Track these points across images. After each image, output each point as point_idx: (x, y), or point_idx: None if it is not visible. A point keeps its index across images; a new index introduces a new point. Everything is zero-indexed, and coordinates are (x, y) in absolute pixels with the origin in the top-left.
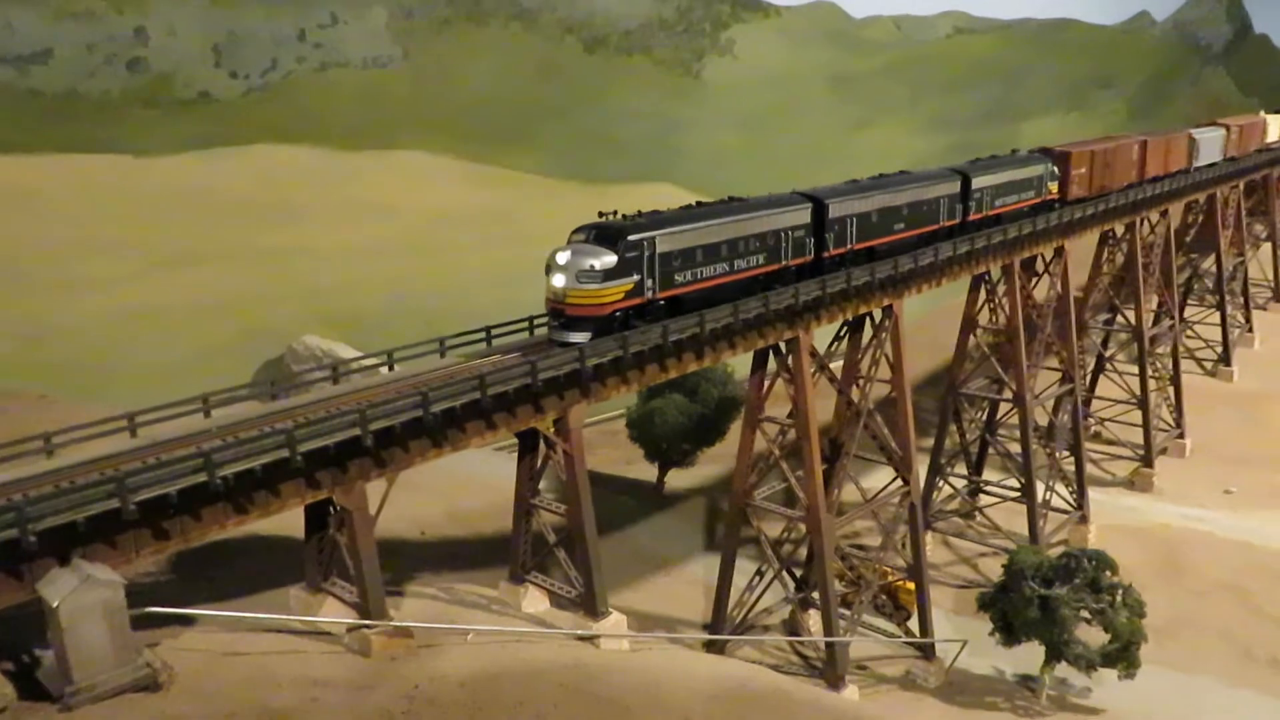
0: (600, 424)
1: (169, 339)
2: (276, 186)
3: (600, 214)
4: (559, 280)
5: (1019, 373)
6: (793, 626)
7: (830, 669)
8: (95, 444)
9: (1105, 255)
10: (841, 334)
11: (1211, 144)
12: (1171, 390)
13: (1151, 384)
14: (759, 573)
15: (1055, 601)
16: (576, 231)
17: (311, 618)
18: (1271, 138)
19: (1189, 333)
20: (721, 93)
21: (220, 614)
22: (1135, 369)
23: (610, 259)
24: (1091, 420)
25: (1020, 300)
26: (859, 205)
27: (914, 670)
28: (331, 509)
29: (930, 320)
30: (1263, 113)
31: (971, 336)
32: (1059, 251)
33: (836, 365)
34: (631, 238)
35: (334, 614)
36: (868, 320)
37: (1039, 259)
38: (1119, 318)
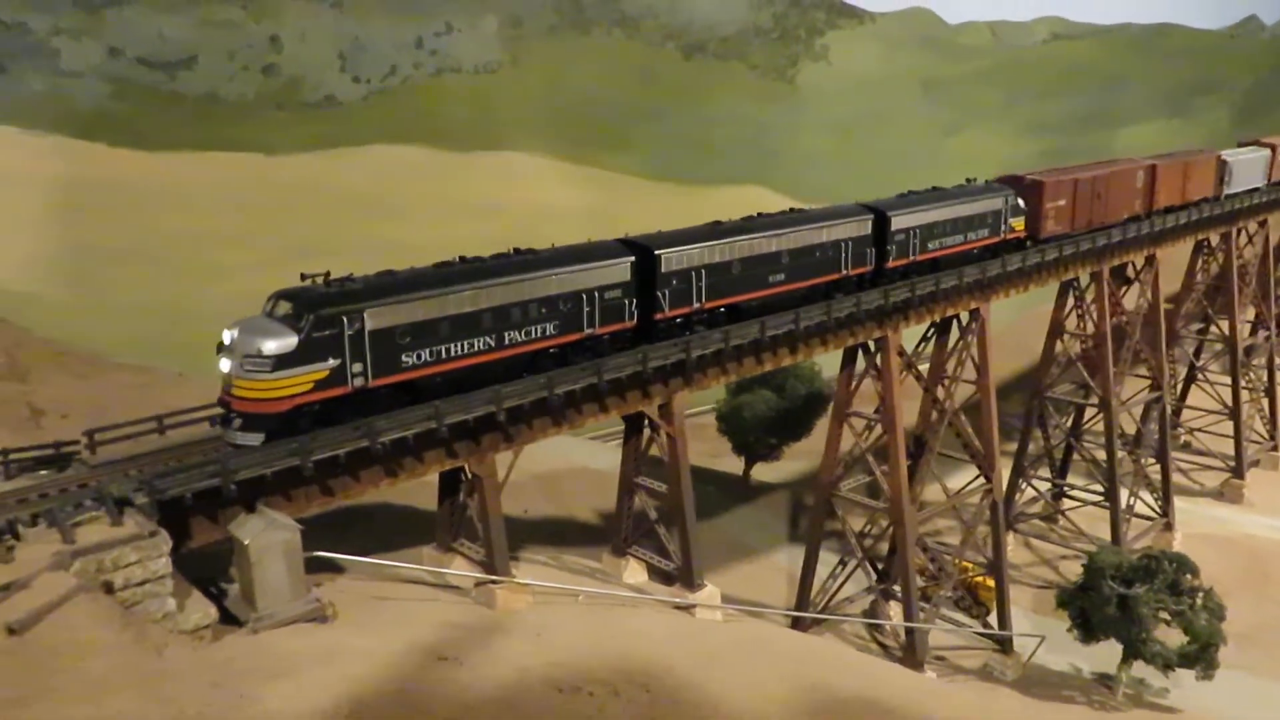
0: (690, 417)
1: None
2: (391, 184)
3: (303, 276)
4: (224, 365)
5: (1105, 379)
6: (873, 617)
7: (910, 655)
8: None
9: (1199, 264)
10: (929, 335)
11: (1250, 167)
12: (1265, 402)
13: (1245, 395)
14: (841, 562)
15: (1134, 601)
16: (269, 300)
17: (446, 570)
18: None
19: None
20: (815, 98)
21: (377, 562)
22: (1228, 380)
23: (288, 340)
24: (1181, 430)
25: (1109, 307)
26: (711, 255)
27: (991, 663)
28: (463, 477)
29: (1017, 325)
30: None
31: (1059, 342)
32: (1150, 259)
33: (923, 367)
34: (325, 312)
35: (462, 571)
36: (955, 323)
37: (1129, 266)
38: (1212, 328)
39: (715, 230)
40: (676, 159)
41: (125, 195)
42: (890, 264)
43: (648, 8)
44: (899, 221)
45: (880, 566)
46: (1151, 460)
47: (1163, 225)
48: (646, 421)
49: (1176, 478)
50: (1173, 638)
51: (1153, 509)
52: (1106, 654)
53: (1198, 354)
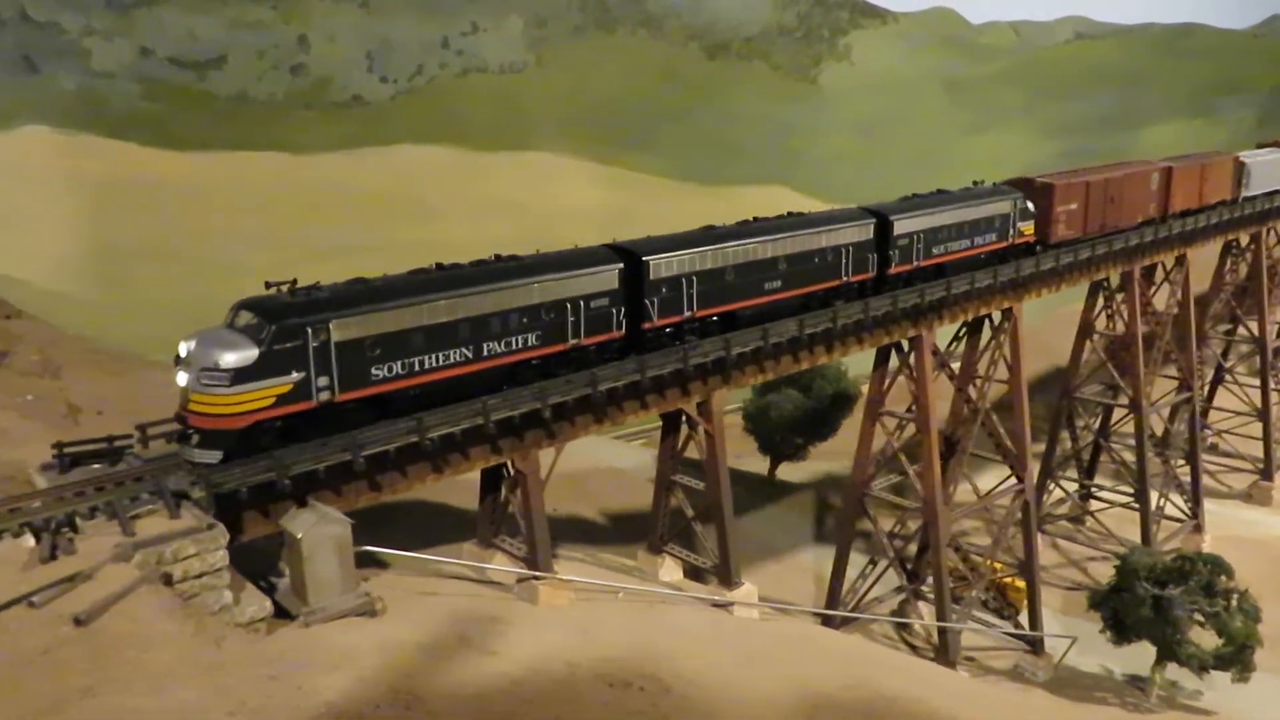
0: None
1: None
2: (417, 184)
3: (268, 284)
4: (181, 378)
5: (1136, 379)
6: (901, 618)
7: (942, 655)
8: None
9: (1228, 265)
10: (960, 334)
11: (1270, 169)
12: None
13: (1273, 396)
14: (871, 561)
15: (1169, 602)
16: (231, 310)
17: (489, 566)
18: None
19: None
20: (838, 97)
21: (424, 557)
22: (1256, 381)
23: (248, 353)
24: (1209, 431)
25: (1139, 307)
26: (703, 261)
27: (1022, 664)
28: (505, 473)
29: (1042, 326)
30: None
31: (1088, 342)
32: (1180, 260)
33: (953, 365)
34: (288, 323)
35: (504, 567)
36: (987, 322)
37: (1159, 267)
38: (1240, 329)
39: (708, 235)
40: (699, 159)
41: (155, 194)
42: (893, 270)
43: (671, 8)
44: (902, 226)
45: (909, 567)
46: (1181, 461)
47: (1194, 225)
48: (684, 419)
49: (1204, 479)
50: (1206, 640)
51: (1182, 511)
52: (1137, 656)
53: (1225, 355)
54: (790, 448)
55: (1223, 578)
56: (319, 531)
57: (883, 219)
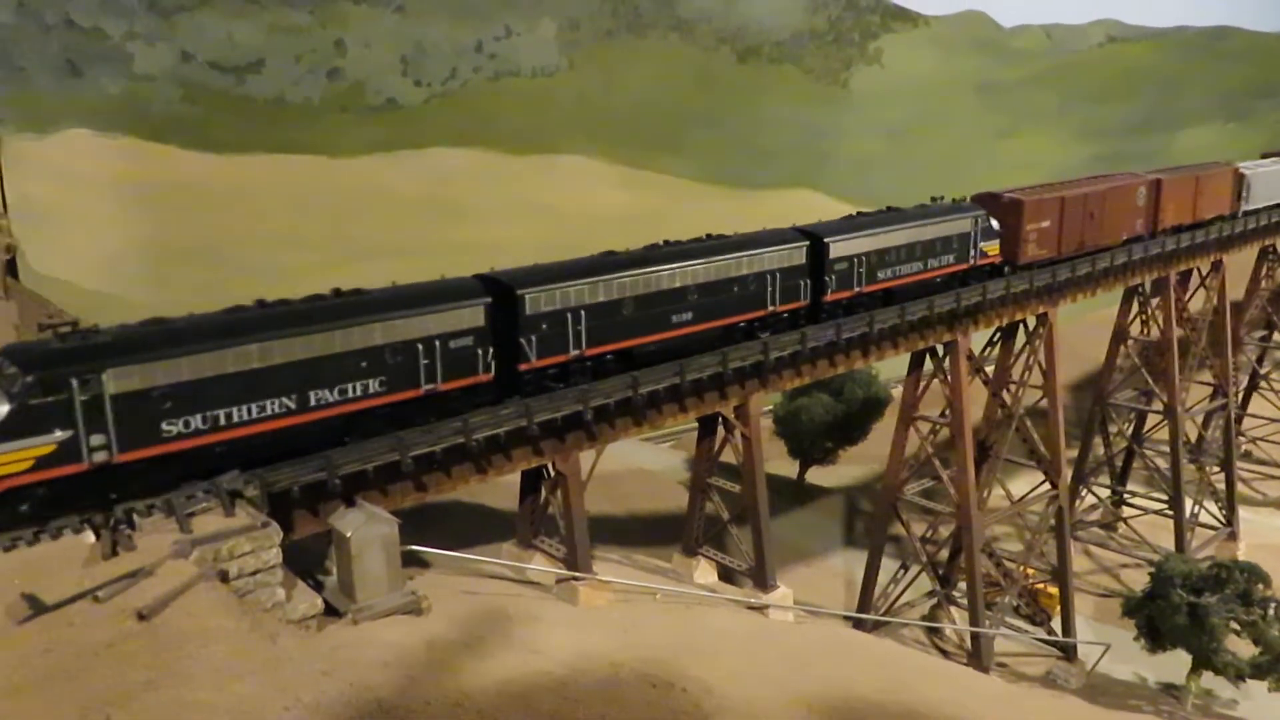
0: None
1: None
2: (451, 187)
3: (41, 326)
4: None
5: (1170, 385)
6: (932, 622)
7: (975, 660)
8: None
9: (1264, 270)
10: (995, 339)
11: (1273, 180)
12: None
13: None
14: (903, 566)
15: (1205, 610)
16: None
17: (529, 566)
18: None
19: None
20: (869, 101)
21: (468, 556)
22: None
23: None
24: (1243, 438)
25: (1175, 313)
26: (593, 293)
27: (1055, 670)
28: (546, 475)
29: (1073, 331)
30: None
31: (1122, 347)
32: (1216, 265)
33: (988, 370)
34: (48, 373)
35: (544, 567)
36: (1021, 327)
37: (1195, 272)
38: (1276, 335)
39: (602, 263)
40: (729, 163)
41: (196, 197)
42: (829, 297)
43: (703, 12)
44: (840, 248)
45: (941, 571)
46: (1215, 468)
47: (1230, 231)
48: (721, 422)
49: (1239, 487)
50: (1242, 648)
51: (1216, 518)
52: (1172, 664)
53: (1260, 361)
54: (820, 452)
55: (1260, 586)
56: (367, 530)
57: (817, 240)
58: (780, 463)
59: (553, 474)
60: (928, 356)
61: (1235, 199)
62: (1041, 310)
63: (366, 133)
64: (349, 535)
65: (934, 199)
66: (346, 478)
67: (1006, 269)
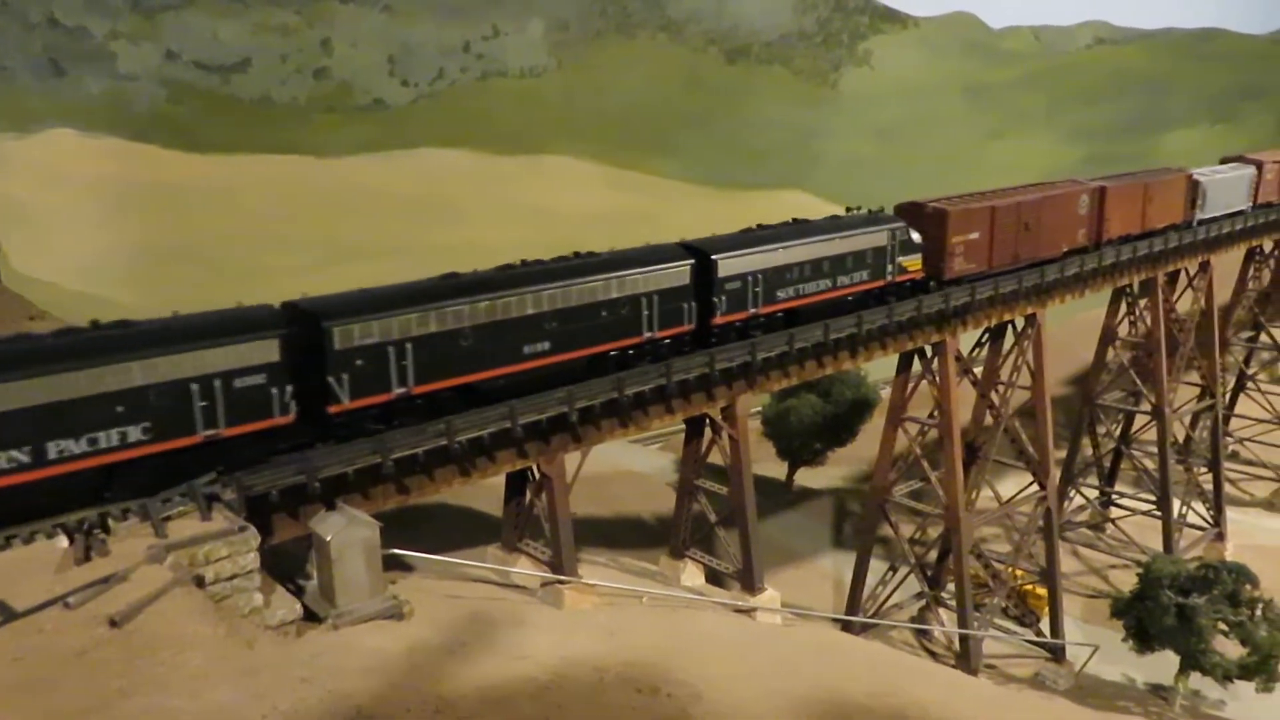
0: None
1: None
2: (439, 187)
3: None
4: None
5: (1159, 386)
6: (921, 624)
7: (963, 662)
8: None
9: (1251, 271)
10: (983, 341)
11: (1228, 187)
12: None
13: None
14: (892, 568)
15: (1193, 611)
16: None
17: (514, 570)
18: None
19: None
20: (857, 102)
21: (451, 560)
22: (1278, 388)
23: None
24: (1230, 439)
25: (1163, 314)
26: (424, 323)
27: (1044, 672)
28: (530, 477)
29: (1062, 333)
30: None
31: (1110, 348)
32: (1204, 266)
33: (976, 370)
34: None
35: (529, 570)
36: (1009, 328)
37: (1183, 273)
38: (1263, 335)
39: (438, 288)
40: (718, 163)
41: (180, 197)
42: (719, 320)
43: (692, 12)
44: (730, 266)
45: (930, 573)
46: (1203, 469)
47: (1218, 232)
48: (708, 423)
49: (1226, 487)
50: (1230, 649)
51: (1204, 519)
52: (1159, 664)
53: (1248, 361)
54: (809, 453)
55: (1248, 587)
56: (348, 534)
57: (703, 258)
58: (769, 464)
59: (537, 476)
60: (916, 357)
61: (1189, 207)
62: (1030, 311)
63: (353, 133)
64: (329, 539)
65: (849, 209)
66: (326, 480)
67: (932, 284)
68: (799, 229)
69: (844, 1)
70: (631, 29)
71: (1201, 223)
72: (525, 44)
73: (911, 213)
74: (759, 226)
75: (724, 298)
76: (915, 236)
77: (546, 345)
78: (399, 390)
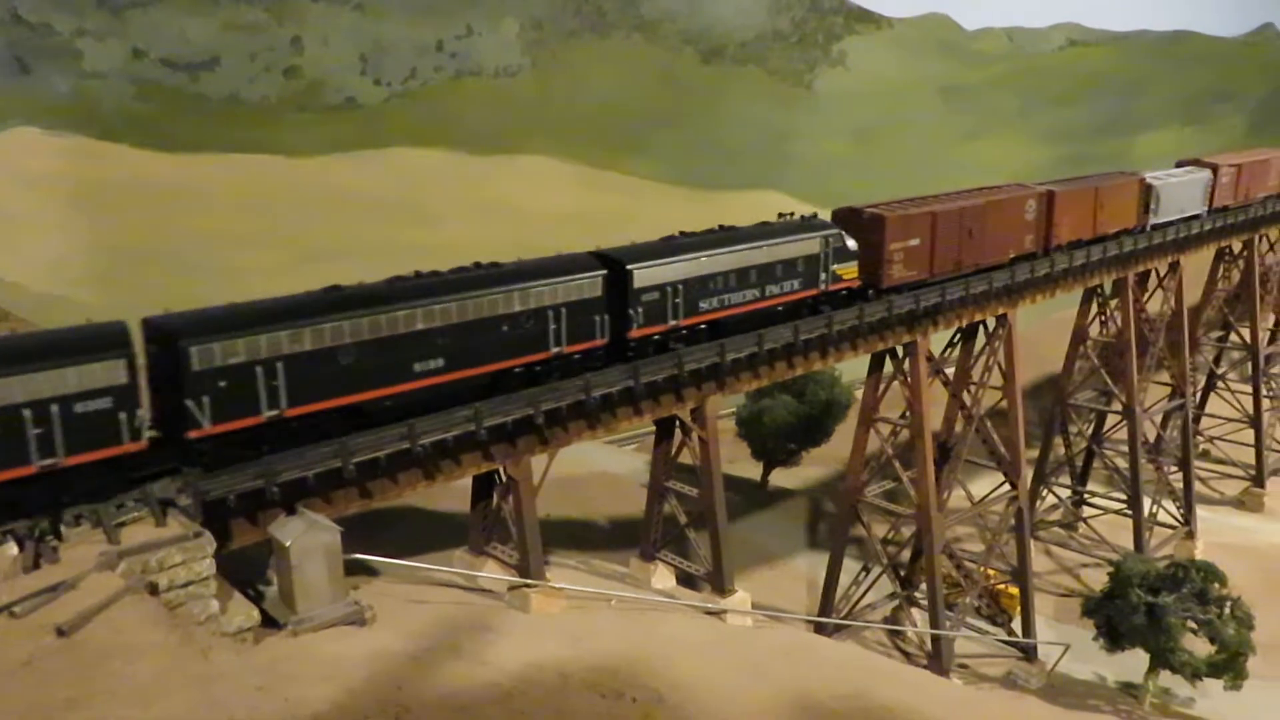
0: None
1: None
2: (412, 187)
3: None
4: None
5: (1129, 386)
6: (894, 624)
7: (935, 662)
8: None
9: (1221, 272)
10: (955, 341)
11: (1184, 191)
12: None
13: (1265, 403)
14: (865, 568)
15: (1162, 609)
16: None
17: (481, 574)
18: None
19: None
20: (832, 103)
21: (414, 565)
22: (1248, 388)
23: None
24: (1200, 438)
25: (1133, 314)
26: (296, 341)
27: (1015, 671)
28: (497, 480)
29: (1035, 334)
30: None
31: (1081, 348)
32: (1174, 266)
33: (948, 371)
34: None
35: (496, 574)
36: (981, 328)
37: (1153, 273)
38: (1233, 335)
39: (317, 302)
40: (694, 163)
41: (148, 197)
42: (636, 333)
43: (667, 12)
44: (646, 276)
45: (903, 573)
46: (1173, 468)
47: (1187, 232)
48: (678, 425)
49: (1196, 486)
50: (1199, 647)
51: (1175, 517)
52: (1131, 663)
53: (1218, 361)
54: (784, 453)
55: (1216, 585)
56: (308, 539)
57: (618, 268)
58: (744, 464)
59: (504, 479)
60: (888, 358)
61: (1142, 211)
62: (1001, 311)
63: (325, 132)
64: (288, 544)
65: (781, 215)
66: (286, 485)
67: (870, 293)
68: (724, 237)
69: (819, 2)
70: (606, 28)
71: (1155, 227)
72: (499, 43)
73: (849, 219)
74: (682, 234)
75: (641, 309)
76: (851, 243)
77: (440, 362)
78: (270, 413)
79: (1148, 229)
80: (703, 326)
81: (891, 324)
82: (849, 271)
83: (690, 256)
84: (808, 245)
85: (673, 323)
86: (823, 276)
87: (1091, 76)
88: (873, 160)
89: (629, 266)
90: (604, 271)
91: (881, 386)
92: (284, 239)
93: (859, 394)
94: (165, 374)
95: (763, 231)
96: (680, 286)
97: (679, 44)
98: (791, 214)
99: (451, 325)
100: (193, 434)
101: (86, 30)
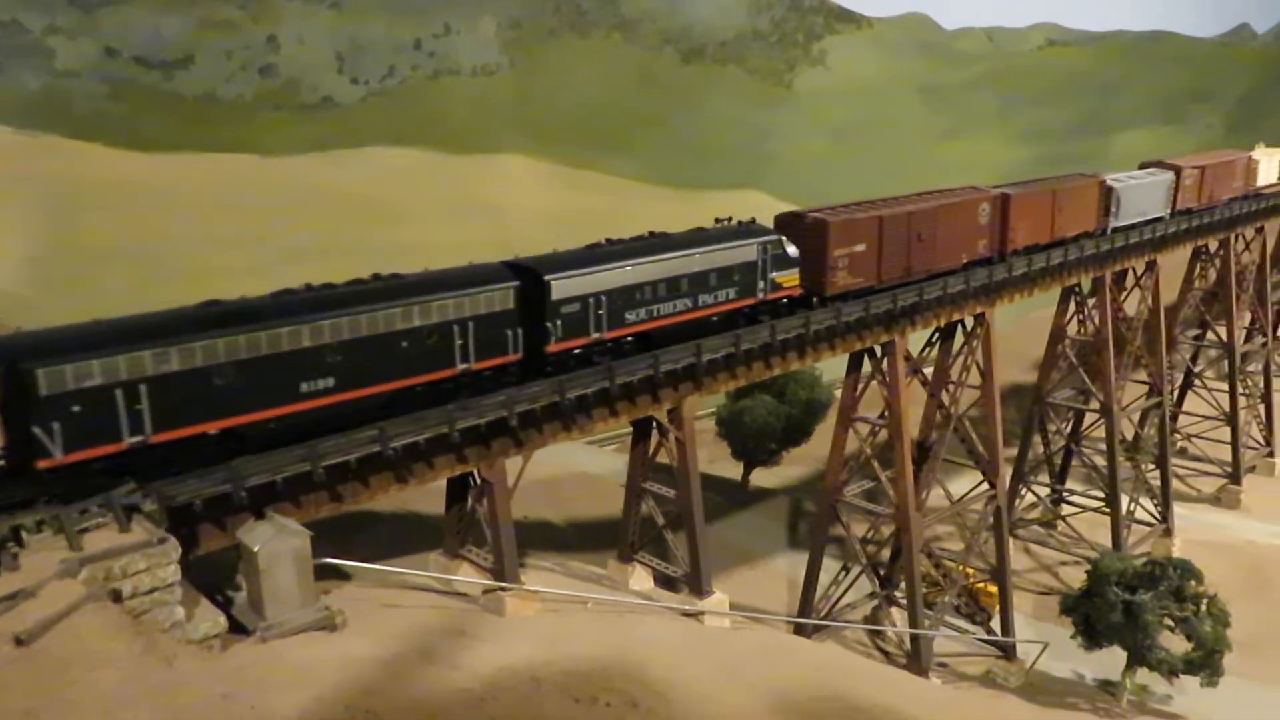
0: None
1: None
2: (390, 187)
3: None
4: None
5: (1106, 384)
6: (874, 623)
7: (914, 662)
8: None
9: (1197, 270)
10: (933, 340)
11: (1145, 194)
12: (1262, 408)
13: (1241, 401)
14: (844, 569)
15: (1139, 607)
16: None
17: (454, 578)
18: (1264, 180)
19: None
20: (813, 102)
21: (386, 569)
22: (1224, 385)
23: None
24: (1178, 436)
25: (1111, 313)
26: (165, 361)
27: (994, 670)
28: (472, 482)
29: (1014, 333)
30: (1261, 146)
31: (1059, 347)
32: (1151, 265)
33: (927, 370)
34: None
35: (470, 578)
36: (959, 327)
37: (1130, 272)
38: (1209, 334)
39: (191, 318)
40: (674, 163)
41: (121, 196)
42: (554, 347)
43: (646, 11)
44: (566, 287)
45: (883, 573)
46: (1151, 466)
47: (1164, 232)
48: (655, 426)
49: (1174, 483)
50: (1176, 644)
51: (1152, 515)
52: (1109, 661)
53: (1195, 360)
54: (764, 453)
55: (1192, 582)
56: (276, 544)
57: (533, 279)
58: (724, 464)
59: (479, 481)
60: (866, 357)
61: (1102, 214)
62: (979, 310)
63: (301, 131)
64: (256, 549)
65: (718, 220)
66: (254, 489)
67: (814, 300)
68: (653, 244)
69: (799, 1)
70: (585, 28)
71: (1116, 230)
72: (477, 42)
73: (790, 224)
74: (608, 241)
75: (560, 322)
76: (792, 250)
77: (330, 382)
78: (133, 439)
79: (1108, 232)
80: (629, 339)
81: (869, 324)
82: (789, 279)
83: (615, 265)
84: (744, 252)
85: (596, 335)
86: (761, 285)
87: (1070, 76)
88: (853, 159)
89: (546, 277)
90: (516, 283)
91: (860, 386)
92: (259, 240)
93: (839, 393)
94: (12, 399)
95: (696, 238)
96: (604, 297)
97: (659, 43)
98: (729, 219)
99: (343, 342)
100: (43, 464)
101: (58, 28)
